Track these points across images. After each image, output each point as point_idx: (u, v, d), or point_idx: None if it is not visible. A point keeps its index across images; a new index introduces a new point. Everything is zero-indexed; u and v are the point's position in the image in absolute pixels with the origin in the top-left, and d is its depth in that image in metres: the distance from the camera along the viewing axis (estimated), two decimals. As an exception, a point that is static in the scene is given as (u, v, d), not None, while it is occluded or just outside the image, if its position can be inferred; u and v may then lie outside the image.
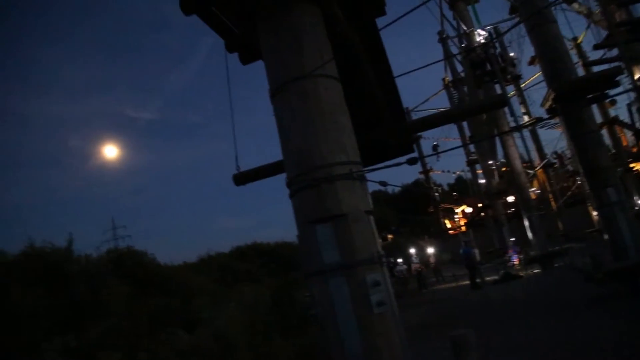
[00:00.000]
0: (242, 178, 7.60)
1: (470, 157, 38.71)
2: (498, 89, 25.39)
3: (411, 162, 5.00)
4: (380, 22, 6.45)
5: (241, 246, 32.27)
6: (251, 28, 5.44)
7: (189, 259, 27.99)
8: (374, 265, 4.68)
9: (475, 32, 29.35)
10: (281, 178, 7.64)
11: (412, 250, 29.25)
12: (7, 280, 10.80)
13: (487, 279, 21.19)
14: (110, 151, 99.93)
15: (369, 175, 5.06)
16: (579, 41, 29.98)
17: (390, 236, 54.87)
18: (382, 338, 4.52)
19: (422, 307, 17.26)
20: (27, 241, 13.60)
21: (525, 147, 30.01)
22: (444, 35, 32.89)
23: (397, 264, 27.98)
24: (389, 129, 7.80)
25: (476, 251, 26.08)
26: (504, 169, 34.82)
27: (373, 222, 4.94)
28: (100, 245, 24.85)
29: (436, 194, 48.03)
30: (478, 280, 20.06)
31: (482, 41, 27.75)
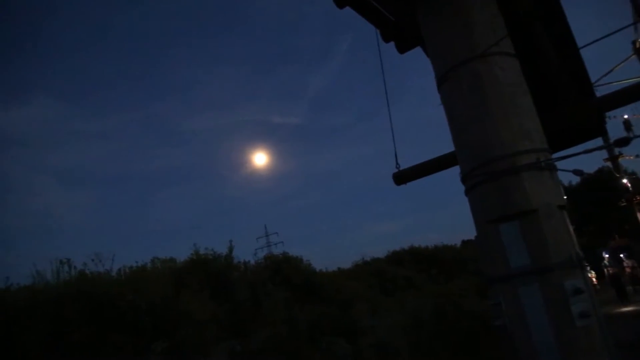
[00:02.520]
0: (403, 177, 7.02)
1: (675, 136, 31.87)
2: None
3: (620, 143, 4.10)
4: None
5: (397, 251, 30.24)
6: (409, 12, 5.10)
7: (342, 265, 27.58)
8: (573, 269, 4.02)
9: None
10: (442, 176, 7.05)
11: (606, 254, 25.21)
12: (179, 285, 11.89)
13: None
14: (260, 159, 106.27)
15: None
16: None
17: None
18: (588, 356, 3.86)
19: (627, 321, 14.72)
20: (193, 249, 14.83)
21: None
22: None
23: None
24: (573, 108, 6.65)
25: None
26: None
27: (567, 219, 4.22)
28: (255, 252, 26.33)
29: (629, 184, 40.83)
30: None
31: None
